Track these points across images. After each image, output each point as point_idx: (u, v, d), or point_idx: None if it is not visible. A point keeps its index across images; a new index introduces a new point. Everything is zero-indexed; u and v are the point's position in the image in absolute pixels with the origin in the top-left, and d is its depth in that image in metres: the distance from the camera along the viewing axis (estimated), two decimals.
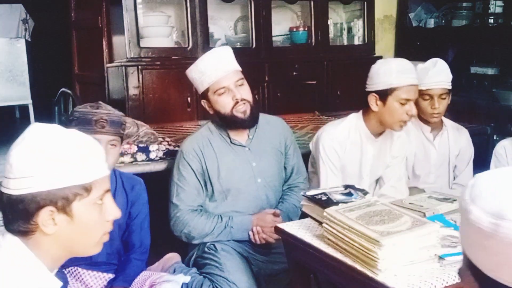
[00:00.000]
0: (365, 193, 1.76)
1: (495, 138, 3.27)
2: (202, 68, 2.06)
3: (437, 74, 2.38)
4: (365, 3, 4.16)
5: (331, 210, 1.53)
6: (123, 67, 3.28)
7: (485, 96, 3.78)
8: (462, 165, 2.57)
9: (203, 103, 2.15)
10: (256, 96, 2.19)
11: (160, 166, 2.45)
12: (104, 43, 3.64)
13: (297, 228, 1.70)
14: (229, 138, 2.15)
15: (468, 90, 3.92)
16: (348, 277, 1.43)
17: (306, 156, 2.43)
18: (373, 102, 2.13)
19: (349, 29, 4.24)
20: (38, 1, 5.40)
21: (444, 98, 2.42)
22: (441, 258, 1.38)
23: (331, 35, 4.14)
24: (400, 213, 1.47)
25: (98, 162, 1.08)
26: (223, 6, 3.77)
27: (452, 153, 2.56)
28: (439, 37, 4.16)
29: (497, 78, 3.79)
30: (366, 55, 4.13)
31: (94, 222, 1.08)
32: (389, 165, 2.34)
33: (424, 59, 2.50)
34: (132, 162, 2.46)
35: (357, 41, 4.20)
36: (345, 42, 4.26)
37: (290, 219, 2.12)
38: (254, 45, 3.70)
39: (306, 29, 3.96)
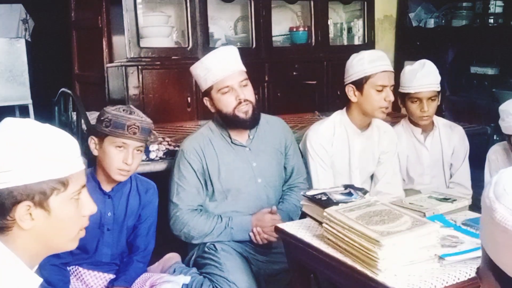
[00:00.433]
0: (365, 192, 1.76)
1: (495, 138, 3.26)
2: (208, 66, 2.06)
3: (425, 76, 2.37)
4: (365, 3, 4.16)
5: (331, 210, 1.53)
6: (123, 67, 3.27)
7: (485, 96, 3.77)
8: (458, 163, 2.55)
9: (205, 101, 2.14)
10: (256, 96, 2.19)
11: (160, 166, 2.44)
12: (104, 43, 3.64)
13: (297, 228, 1.70)
14: (230, 138, 2.15)
15: (468, 90, 3.92)
16: (348, 277, 1.43)
17: None
18: (351, 93, 2.23)
19: (349, 29, 4.24)
20: (38, 1, 5.40)
21: (434, 100, 2.41)
22: (441, 258, 1.38)
23: (331, 35, 4.14)
24: (400, 213, 1.47)
25: (74, 156, 1.07)
26: (223, 6, 3.76)
27: (446, 152, 2.54)
28: (439, 37, 4.14)
29: (497, 78, 3.78)
30: None
31: (71, 217, 1.08)
32: (381, 162, 2.37)
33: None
34: None
35: (357, 41, 4.20)
36: (345, 42, 4.25)
37: (291, 219, 2.13)
38: (254, 45, 3.70)
39: (306, 29, 3.96)
